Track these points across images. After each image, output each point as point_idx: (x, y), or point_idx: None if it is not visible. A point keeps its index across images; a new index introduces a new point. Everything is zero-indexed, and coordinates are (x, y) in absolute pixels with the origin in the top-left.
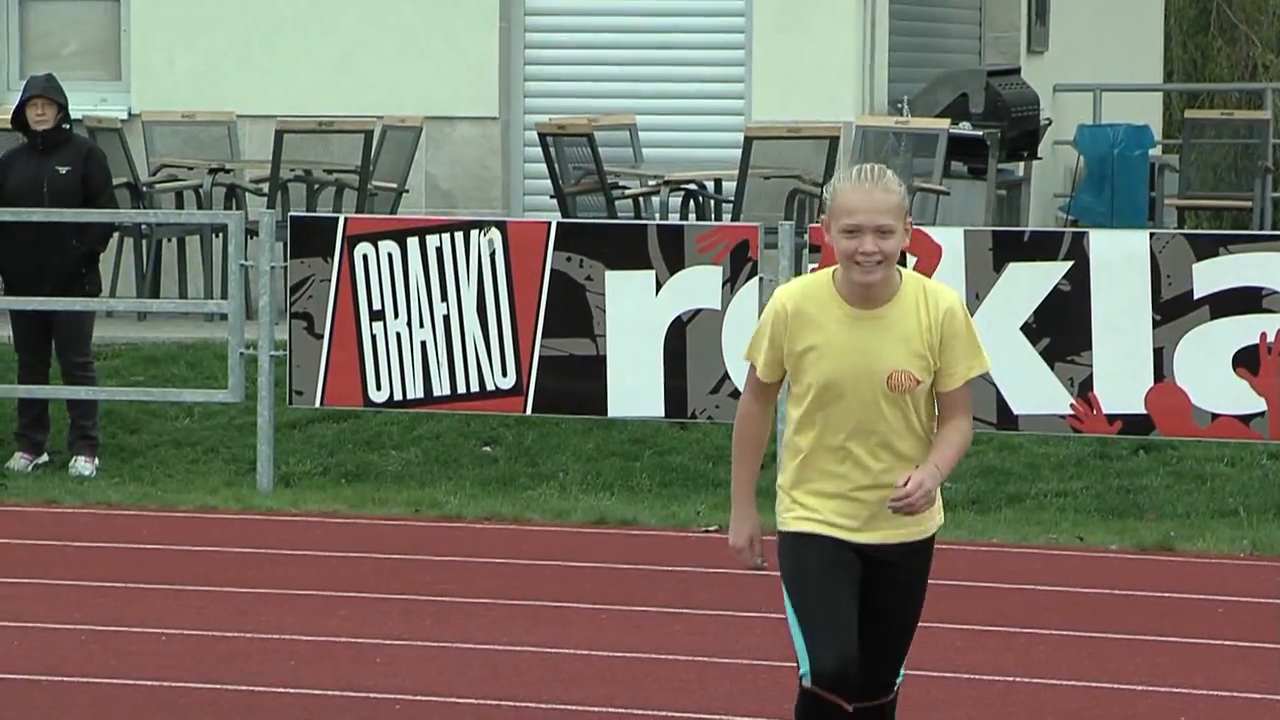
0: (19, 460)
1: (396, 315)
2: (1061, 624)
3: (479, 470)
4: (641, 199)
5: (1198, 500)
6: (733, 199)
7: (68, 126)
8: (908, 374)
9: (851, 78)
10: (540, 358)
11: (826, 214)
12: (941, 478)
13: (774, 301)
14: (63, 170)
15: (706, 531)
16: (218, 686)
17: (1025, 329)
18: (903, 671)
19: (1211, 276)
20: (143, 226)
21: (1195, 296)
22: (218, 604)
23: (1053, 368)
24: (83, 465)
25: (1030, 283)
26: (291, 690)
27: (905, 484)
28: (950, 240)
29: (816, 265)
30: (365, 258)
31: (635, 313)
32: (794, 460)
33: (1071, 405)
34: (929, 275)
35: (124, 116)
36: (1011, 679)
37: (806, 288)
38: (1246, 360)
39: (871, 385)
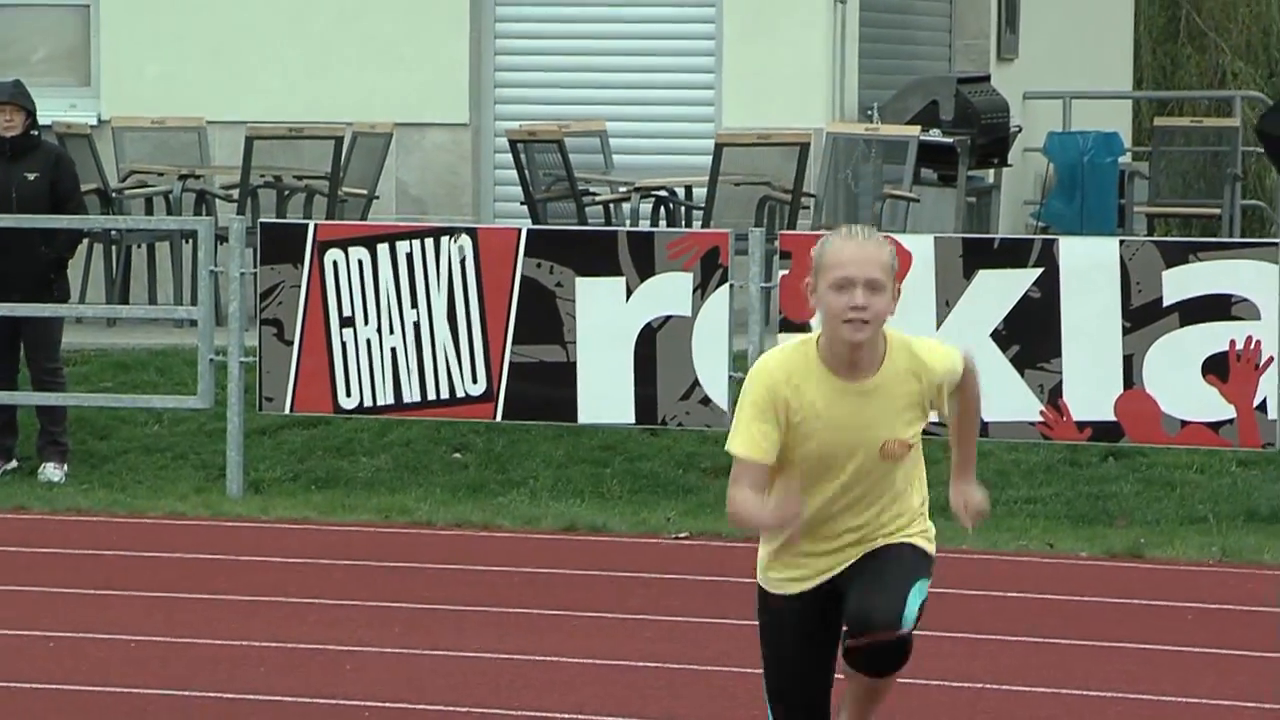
0: None
1: (366, 322)
2: (1031, 631)
3: (449, 477)
4: (612, 205)
5: (1167, 507)
6: (703, 205)
7: (36, 133)
8: (900, 443)
9: (822, 84)
10: (510, 364)
11: (812, 275)
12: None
13: (762, 375)
14: (31, 177)
15: (676, 538)
16: (187, 694)
17: (995, 336)
18: (914, 611)
19: (1181, 284)
20: (112, 232)
21: (1165, 304)
22: (187, 611)
23: (1022, 374)
24: (52, 471)
25: (1000, 290)
26: (261, 697)
27: (971, 511)
28: (920, 247)
29: (786, 272)
30: (335, 264)
31: (605, 319)
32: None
33: (1041, 412)
34: (899, 282)
35: (93, 122)
36: (980, 685)
37: (790, 359)
38: (1216, 367)
39: (865, 455)
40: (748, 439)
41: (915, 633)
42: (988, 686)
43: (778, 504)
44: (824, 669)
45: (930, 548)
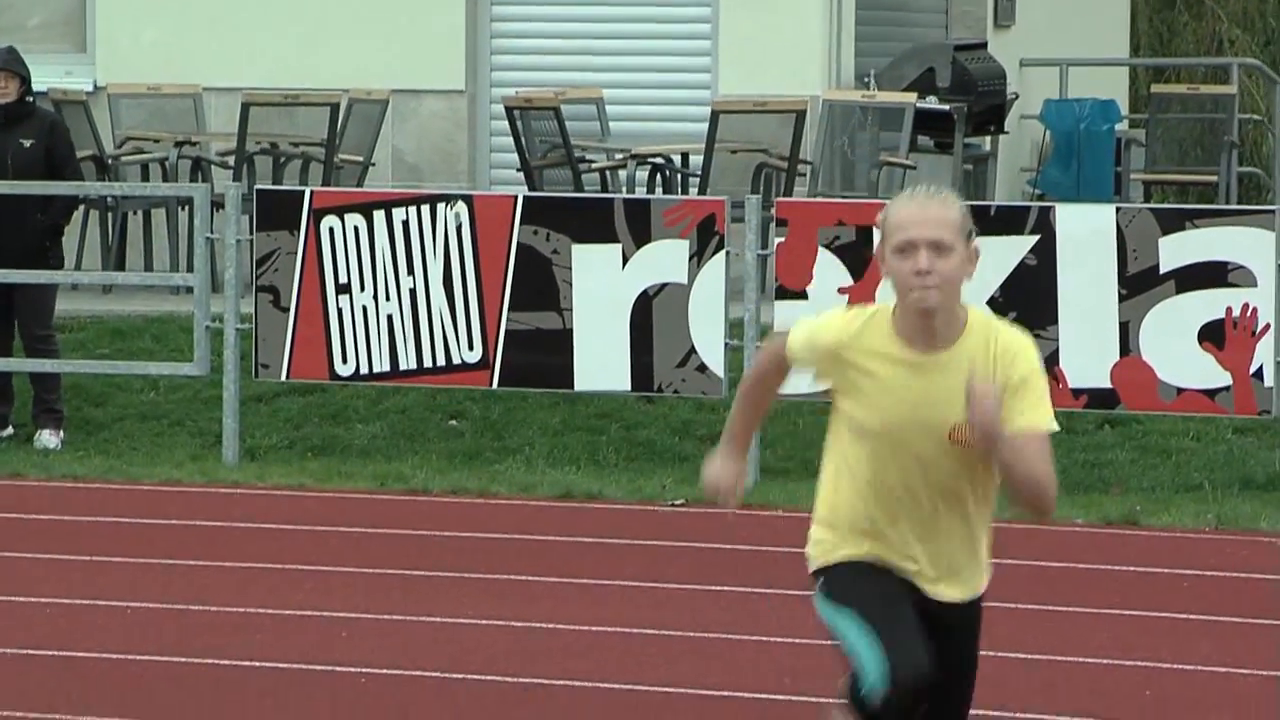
0: None
1: (363, 289)
2: (1027, 598)
3: (445, 444)
4: (608, 173)
5: (1163, 475)
6: (699, 173)
7: (31, 99)
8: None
9: (818, 52)
10: (506, 331)
11: (879, 241)
12: (1006, 447)
13: (831, 332)
14: (26, 144)
15: (673, 505)
16: (184, 660)
17: (991, 303)
18: None
19: (1177, 251)
20: (108, 199)
21: (1161, 271)
22: (183, 578)
23: None
24: (47, 438)
25: (997, 257)
26: (257, 663)
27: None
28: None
29: (782, 240)
30: (331, 231)
31: (602, 287)
32: (835, 495)
33: None
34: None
35: (89, 89)
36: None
37: (859, 322)
38: (1212, 335)
39: (932, 439)
40: (797, 340)
41: None
42: (983, 654)
43: (719, 475)
44: (913, 609)
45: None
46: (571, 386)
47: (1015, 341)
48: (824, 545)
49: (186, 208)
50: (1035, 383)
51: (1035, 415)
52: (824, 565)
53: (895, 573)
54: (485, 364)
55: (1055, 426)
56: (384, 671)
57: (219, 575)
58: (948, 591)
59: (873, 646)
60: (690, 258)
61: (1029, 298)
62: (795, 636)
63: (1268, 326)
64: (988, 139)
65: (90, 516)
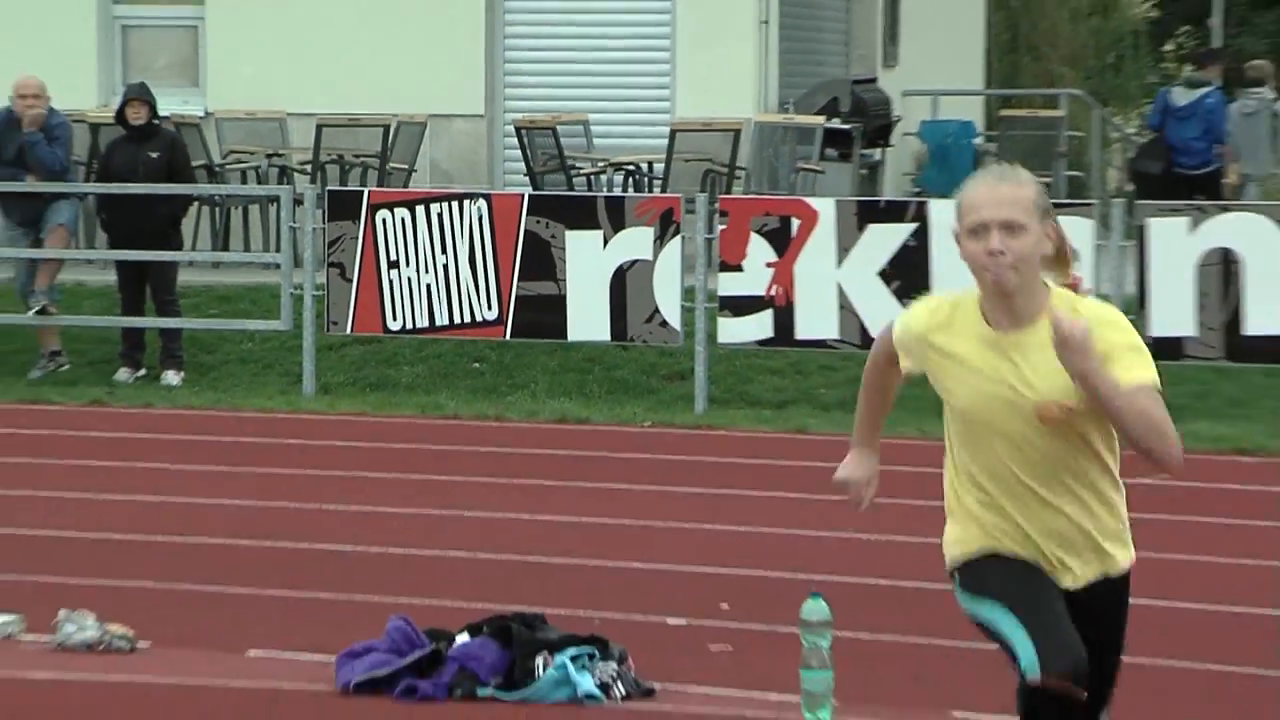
0: (123, 373)
1: (407, 264)
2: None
3: (470, 381)
4: (592, 177)
5: None
6: (661, 177)
7: (157, 121)
8: (1061, 405)
9: (750, 85)
10: (516, 296)
11: (955, 223)
12: (1105, 379)
13: (922, 320)
14: (153, 155)
15: (642, 427)
16: (270, 544)
17: (881, 274)
18: None
19: None
20: (215, 197)
21: None
22: (274, 482)
23: (901, 302)
24: (171, 377)
25: (885, 239)
26: (328, 547)
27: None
28: (825, 207)
29: (725, 227)
30: (384, 221)
31: (588, 262)
32: (951, 488)
33: None
34: (809, 235)
35: (201, 114)
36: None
37: (942, 309)
38: None
39: (1021, 417)
40: (902, 327)
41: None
42: (854, 536)
43: (849, 469)
44: (1057, 592)
45: (1130, 563)
46: (565, 337)
47: (1102, 311)
48: (951, 542)
49: (274, 204)
50: (1133, 343)
51: (1137, 372)
52: (956, 561)
53: (1023, 560)
54: (500, 321)
55: (1159, 384)
56: (424, 552)
57: (300, 480)
58: (1077, 570)
59: (1022, 635)
60: (655, 240)
61: (909, 270)
62: (744, 525)
63: (1088, 291)
64: (878, 151)
65: (203, 436)
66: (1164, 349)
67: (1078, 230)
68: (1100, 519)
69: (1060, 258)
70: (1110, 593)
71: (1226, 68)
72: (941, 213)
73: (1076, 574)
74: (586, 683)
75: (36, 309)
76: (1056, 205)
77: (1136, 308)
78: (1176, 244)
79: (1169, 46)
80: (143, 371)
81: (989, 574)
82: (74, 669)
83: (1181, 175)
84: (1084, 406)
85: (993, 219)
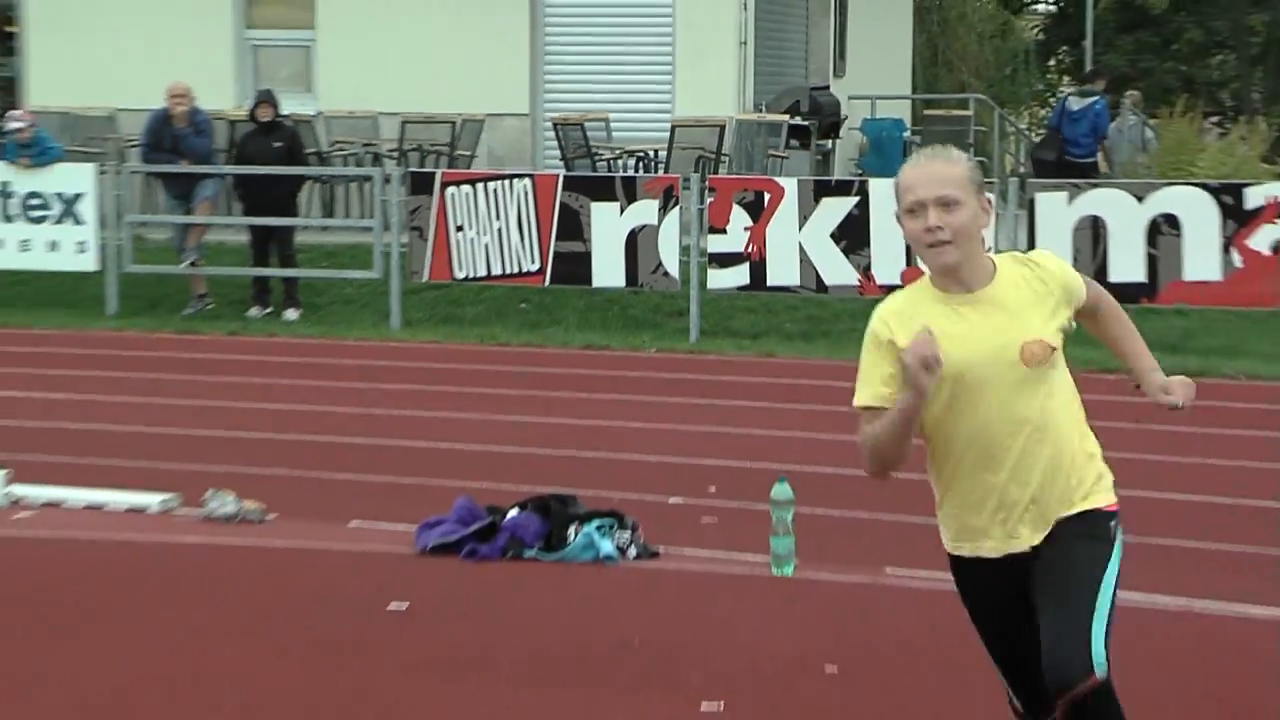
0: (254, 311)
1: (470, 228)
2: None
3: (518, 318)
4: (611, 161)
5: None
6: (664, 162)
7: (280, 119)
8: (1040, 342)
9: (732, 91)
10: (554, 252)
11: (896, 206)
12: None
13: (872, 322)
14: (277, 145)
15: (649, 353)
16: (367, 440)
17: (832, 236)
18: (1104, 653)
19: None
20: (324, 178)
21: None
22: (373, 395)
23: (848, 257)
24: (290, 314)
25: (836, 209)
26: (411, 443)
27: (1174, 396)
28: (789, 185)
29: (713, 199)
30: (452, 195)
31: (608, 226)
32: (938, 477)
33: (858, 279)
34: (777, 206)
35: (313, 113)
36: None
37: (900, 299)
38: None
39: (1008, 365)
40: (863, 390)
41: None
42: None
43: (910, 347)
44: (1022, 624)
45: (1111, 506)
46: (590, 284)
47: (1041, 254)
48: (943, 532)
49: (369, 182)
50: (1060, 261)
51: (1071, 271)
52: (950, 557)
53: (999, 571)
54: (541, 271)
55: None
56: (483, 447)
57: (392, 393)
58: (1050, 517)
59: (1005, 676)
60: (659, 210)
61: (854, 232)
62: (727, 427)
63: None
64: (830, 141)
65: (314, 359)
66: None
67: None
68: (1077, 460)
69: None
70: (1084, 521)
71: (1109, 81)
72: (879, 189)
73: (1051, 516)
74: (607, 546)
75: (188, 262)
76: None
77: None
78: (1057, 213)
79: (1051, 62)
80: (269, 309)
81: (969, 608)
82: (218, 535)
83: (1071, 162)
84: (1058, 351)
85: (928, 197)
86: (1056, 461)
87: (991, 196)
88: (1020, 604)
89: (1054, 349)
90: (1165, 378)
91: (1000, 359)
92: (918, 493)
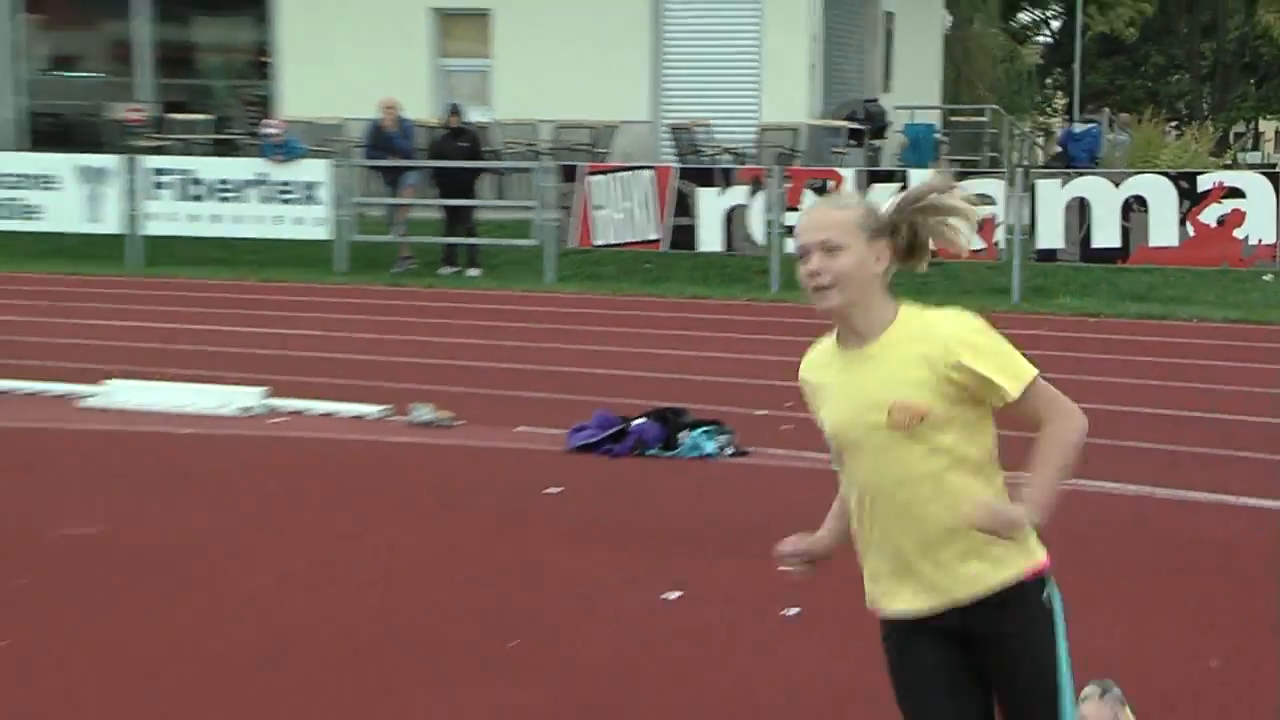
0: (444, 270)
1: (607, 207)
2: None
3: (643, 274)
4: (713, 156)
5: None
6: (753, 156)
7: (465, 125)
8: (906, 407)
9: (804, 103)
10: (670, 226)
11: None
12: (1036, 509)
13: (800, 373)
14: (464, 145)
15: (742, 300)
16: (530, 366)
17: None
18: None
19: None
20: (497, 169)
21: None
22: (533, 333)
23: None
24: (472, 271)
25: (883, 193)
26: (564, 369)
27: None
28: (847, 174)
29: (789, 185)
30: (593, 183)
31: (710, 205)
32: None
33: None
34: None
35: (489, 121)
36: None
37: (816, 348)
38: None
39: (879, 430)
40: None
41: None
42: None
43: (786, 543)
44: (955, 684)
45: (1035, 570)
46: (695, 249)
47: (940, 316)
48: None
49: (531, 173)
50: (982, 342)
51: (1010, 371)
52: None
53: (917, 629)
54: (659, 239)
55: (1032, 371)
56: (615, 372)
57: (545, 331)
58: (952, 587)
59: None
60: (749, 194)
61: None
62: (800, 356)
63: (995, 226)
64: (879, 141)
65: (490, 305)
66: (1046, 256)
67: (994, 188)
68: (966, 541)
69: (916, 250)
70: (1004, 606)
71: (1099, 106)
72: (915, 176)
73: (958, 595)
74: (710, 446)
75: (398, 234)
76: (983, 174)
77: (1029, 231)
78: (1052, 194)
79: (1048, 80)
80: (456, 268)
81: (894, 676)
82: (419, 436)
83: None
84: (939, 415)
85: (811, 241)
86: (947, 524)
87: (999, 182)
88: (941, 677)
89: (923, 416)
90: (1016, 505)
91: (864, 420)
92: None
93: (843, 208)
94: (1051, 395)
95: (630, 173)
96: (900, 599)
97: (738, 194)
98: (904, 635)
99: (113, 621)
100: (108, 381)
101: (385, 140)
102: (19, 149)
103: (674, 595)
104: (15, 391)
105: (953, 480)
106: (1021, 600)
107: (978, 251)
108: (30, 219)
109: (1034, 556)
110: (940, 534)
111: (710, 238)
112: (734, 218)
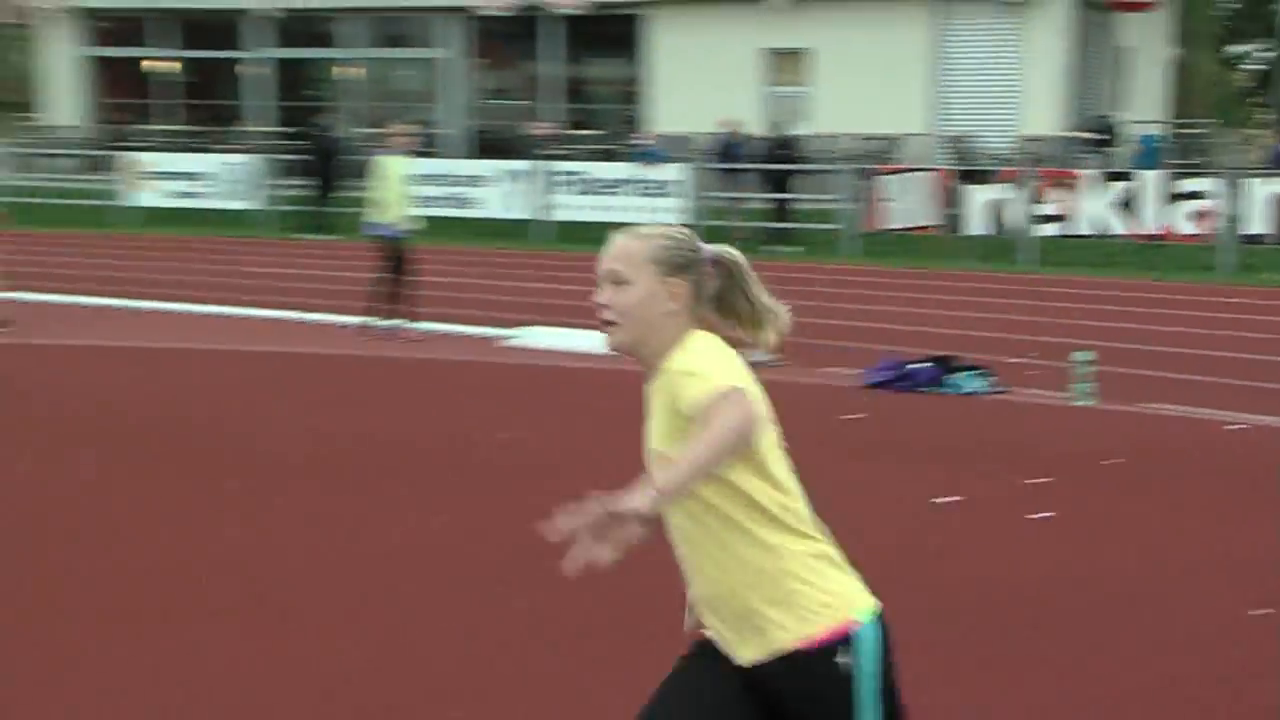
0: (769, 247)
1: (893, 200)
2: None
3: (929, 252)
4: (981, 161)
5: None
6: (1012, 160)
7: (786, 137)
8: (660, 455)
9: (1056, 117)
10: (944, 214)
11: None
12: (641, 504)
13: None
14: (785, 152)
15: (998, 274)
16: (835, 322)
17: (1113, 204)
18: None
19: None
20: (812, 170)
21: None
22: (840, 296)
23: (1123, 216)
24: (782, 250)
25: (1118, 188)
26: (861, 324)
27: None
28: (1089, 173)
29: (1041, 183)
30: (882, 181)
31: (978, 199)
32: None
33: (1127, 229)
34: (1073, 179)
35: (808, 134)
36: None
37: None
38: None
39: (648, 470)
40: None
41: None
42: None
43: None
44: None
45: (821, 638)
46: (960, 232)
47: (681, 363)
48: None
49: (836, 174)
50: (678, 383)
51: (688, 395)
52: None
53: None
54: (939, 226)
55: (707, 389)
56: (900, 327)
57: (850, 294)
58: (740, 645)
59: None
60: (1011, 190)
61: (1128, 202)
62: (1050, 319)
63: (1212, 217)
64: (1113, 149)
65: (803, 275)
66: (1252, 240)
67: (1210, 185)
68: (760, 585)
69: (752, 320)
70: (793, 676)
71: None
72: (1141, 175)
73: (742, 651)
74: (975, 384)
75: (734, 220)
76: (1200, 174)
77: (1237, 220)
78: (1258, 191)
79: (1259, 100)
80: (778, 245)
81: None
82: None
83: None
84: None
85: (601, 270)
86: (721, 579)
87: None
88: (709, 699)
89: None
90: (628, 498)
91: (652, 461)
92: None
93: (639, 238)
94: (709, 413)
95: (911, 173)
96: (711, 632)
97: (1000, 190)
98: (709, 649)
99: (497, 512)
100: (522, 328)
101: (728, 149)
102: (467, 157)
103: (943, 500)
104: (452, 334)
105: (724, 539)
106: (811, 668)
107: (1195, 235)
108: (469, 208)
109: (823, 621)
110: (719, 589)
111: (974, 222)
112: (997, 208)
